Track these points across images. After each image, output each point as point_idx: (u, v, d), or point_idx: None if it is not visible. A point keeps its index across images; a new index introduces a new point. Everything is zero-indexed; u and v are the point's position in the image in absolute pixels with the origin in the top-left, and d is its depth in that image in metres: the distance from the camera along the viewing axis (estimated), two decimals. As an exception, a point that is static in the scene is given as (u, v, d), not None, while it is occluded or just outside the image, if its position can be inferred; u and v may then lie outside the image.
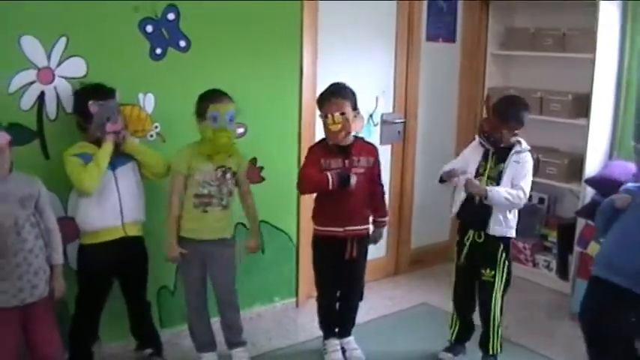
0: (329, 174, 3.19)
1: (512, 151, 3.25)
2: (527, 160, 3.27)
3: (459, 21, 4.90)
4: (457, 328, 3.58)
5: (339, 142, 3.24)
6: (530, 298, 4.47)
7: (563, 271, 4.59)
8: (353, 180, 3.19)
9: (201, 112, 3.05)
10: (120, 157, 3.03)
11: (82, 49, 3.09)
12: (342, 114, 3.17)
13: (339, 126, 3.18)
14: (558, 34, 4.50)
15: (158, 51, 3.33)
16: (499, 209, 3.24)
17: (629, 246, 2.95)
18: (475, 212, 3.28)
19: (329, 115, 3.18)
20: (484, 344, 3.39)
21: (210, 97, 3.06)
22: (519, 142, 3.28)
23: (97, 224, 2.99)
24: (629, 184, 3.23)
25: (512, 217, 3.31)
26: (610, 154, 4.43)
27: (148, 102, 3.31)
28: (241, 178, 3.26)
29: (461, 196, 3.35)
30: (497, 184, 3.23)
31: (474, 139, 3.46)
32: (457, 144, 5.07)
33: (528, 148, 3.31)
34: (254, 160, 3.79)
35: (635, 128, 4.26)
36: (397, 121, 4.65)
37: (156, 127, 3.32)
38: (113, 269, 3.10)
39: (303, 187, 3.38)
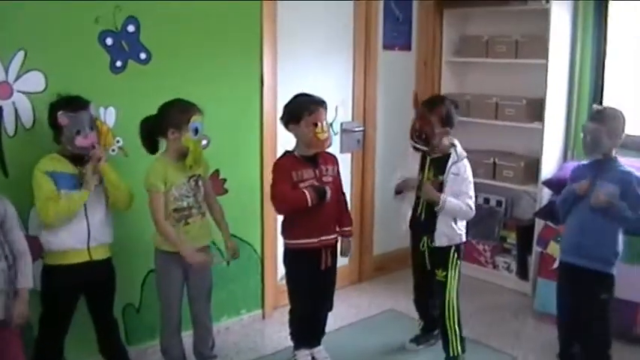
0: (306, 191, 3.18)
1: (450, 162, 3.32)
2: (466, 169, 3.35)
3: (415, 30, 4.97)
4: (423, 323, 3.74)
5: (323, 150, 3.28)
6: (493, 299, 4.55)
7: (523, 272, 4.68)
8: (329, 192, 3.21)
9: (178, 123, 2.99)
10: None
11: (41, 63, 3.02)
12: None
13: (326, 134, 3.21)
14: (511, 41, 4.61)
15: (118, 64, 3.28)
16: (443, 222, 3.33)
17: (593, 229, 3.13)
18: (425, 222, 3.40)
19: (319, 124, 3.18)
20: (445, 346, 3.46)
21: (191, 109, 3.02)
22: (454, 148, 3.35)
23: (63, 246, 2.90)
24: (580, 164, 3.37)
25: (460, 224, 3.41)
26: (564, 155, 4.56)
27: (109, 116, 3.25)
28: (206, 182, 3.24)
29: (409, 211, 3.48)
30: None
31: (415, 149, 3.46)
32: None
33: (465, 154, 3.38)
34: (216, 172, 3.76)
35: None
36: (356, 129, 4.69)
37: (118, 141, 3.26)
38: (78, 290, 3.02)
39: (280, 208, 3.35)
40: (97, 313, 3.11)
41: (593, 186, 3.13)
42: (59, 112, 2.82)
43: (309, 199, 3.16)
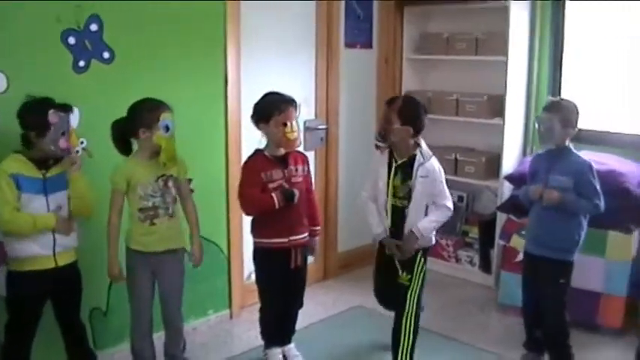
0: (273, 194, 3.17)
1: (416, 164, 3.21)
2: (435, 169, 3.23)
3: (376, 27, 5.01)
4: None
5: (292, 149, 3.25)
6: (458, 293, 4.62)
7: (485, 266, 4.77)
8: (297, 195, 3.20)
9: (148, 122, 2.96)
10: (55, 182, 2.88)
11: (2, 63, 2.94)
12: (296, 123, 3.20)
13: (296, 134, 3.18)
14: (471, 38, 4.68)
15: (81, 63, 3.22)
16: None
17: (549, 222, 3.28)
18: (396, 231, 3.32)
19: (288, 123, 3.15)
20: (394, 350, 3.34)
21: (160, 106, 2.99)
22: (419, 149, 3.24)
23: (28, 252, 2.83)
24: (536, 154, 3.47)
25: None
26: (524, 150, 4.66)
27: (73, 116, 3.15)
28: (182, 183, 3.20)
29: (381, 216, 3.37)
30: (408, 202, 3.23)
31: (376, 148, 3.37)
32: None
33: (430, 153, 3.27)
34: (182, 172, 3.72)
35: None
36: (320, 127, 4.70)
37: (82, 142, 3.19)
38: (44, 296, 2.95)
39: (248, 211, 3.35)
40: (63, 319, 3.05)
41: (547, 176, 3.25)
42: (51, 111, 2.75)
43: (276, 203, 3.16)
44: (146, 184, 3.03)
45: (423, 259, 3.33)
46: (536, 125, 3.33)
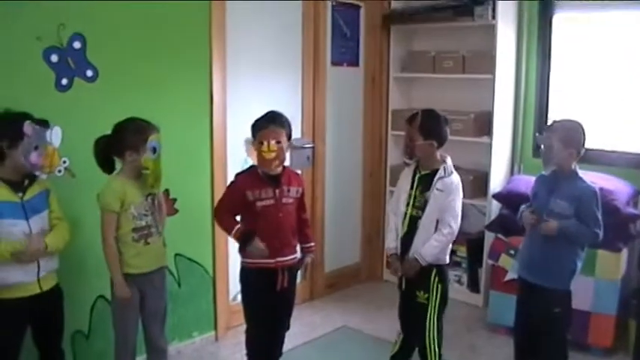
0: (235, 228, 3.18)
1: (436, 177, 3.24)
2: (453, 187, 3.24)
3: (362, 46, 5.00)
4: (397, 347, 3.59)
5: (272, 170, 3.18)
6: (446, 313, 4.52)
7: (474, 285, 4.73)
8: (256, 242, 3.14)
9: (136, 145, 2.91)
10: (34, 205, 2.80)
11: (-17, 80, 2.89)
12: (278, 142, 3.12)
13: (274, 154, 3.12)
14: (458, 57, 4.67)
15: (64, 82, 3.17)
16: (421, 241, 3.26)
17: (545, 250, 3.17)
18: (409, 240, 3.30)
19: (264, 143, 3.11)
20: None
21: (147, 128, 2.94)
22: (444, 164, 3.27)
23: (11, 280, 2.73)
24: (541, 175, 3.32)
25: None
26: (511, 169, 4.64)
27: (55, 136, 3.07)
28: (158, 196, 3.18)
29: (397, 231, 3.38)
30: (423, 212, 3.24)
31: (405, 165, 3.46)
32: (364, 166, 5.16)
33: (453, 170, 3.28)
34: (167, 192, 3.66)
35: (535, 124, 4.52)
36: (306, 146, 4.66)
37: (64, 162, 3.13)
38: (27, 322, 2.86)
39: (216, 221, 3.41)
40: (44, 345, 2.95)
41: (548, 199, 3.16)
42: (27, 122, 2.69)
43: (232, 236, 3.21)
44: (139, 203, 2.99)
45: (437, 278, 3.31)
46: (538, 146, 3.25)
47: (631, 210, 3.89)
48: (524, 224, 3.28)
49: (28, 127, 2.70)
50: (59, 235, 2.87)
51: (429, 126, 3.26)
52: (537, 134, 3.27)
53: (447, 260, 3.38)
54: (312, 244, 3.47)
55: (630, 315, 3.80)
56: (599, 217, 3.08)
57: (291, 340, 3.97)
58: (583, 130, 3.13)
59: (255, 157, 3.23)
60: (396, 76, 5.11)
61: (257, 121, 3.21)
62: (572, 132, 3.12)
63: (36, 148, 2.74)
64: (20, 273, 2.74)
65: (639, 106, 4.21)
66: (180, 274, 3.82)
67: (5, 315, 2.76)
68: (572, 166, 3.15)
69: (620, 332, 3.83)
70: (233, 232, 3.19)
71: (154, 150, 2.94)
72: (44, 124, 2.80)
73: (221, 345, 4.06)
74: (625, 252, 3.81)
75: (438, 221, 3.25)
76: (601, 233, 3.08)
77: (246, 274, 3.32)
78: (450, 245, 3.37)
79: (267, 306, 3.31)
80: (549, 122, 3.26)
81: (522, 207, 3.34)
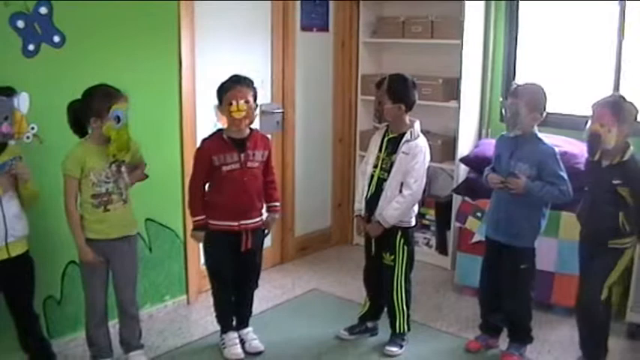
0: (200, 217, 3.29)
1: (403, 140, 3.31)
2: (417, 150, 3.31)
3: (332, 11, 4.98)
4: (365, 308, 3.68)
5: (241, 130, 3.22)
6: (415, 275, 4.57)
7: (442, 247, 4.82)
8: (198, 236, 3.35)
9: (99, 112, 2.89)
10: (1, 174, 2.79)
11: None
12: (247, 102, 3.16)
13: (243, 113, 3.15)
14: (427, 22, 4.68)
15: (31, 47, 3.12)
16: (386, 202, 3.34)
17: (510, 208, 3.27)
18: (375, 201, 3.37)
19: (233, 102, 3.13)
20: (391, 323, 3.52)
21: (113, 96, 2.91)
22: (412, 128, 3.33)
23: None
24: (503, 135, 3.39)
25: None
26: (479, 133, 4.71)
27: (22, 102, 3.05)
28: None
29: (363, 192, 3.44)
30: (388, 175, 3.33)
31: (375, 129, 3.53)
32: (334, 131, 5.18)
33: (419, 134, 3.35)
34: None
35: (503, 89, 4.58)
36: (276, 111, 4.66)
37: (32, 128, 3.10)
38: None
39: (188, 195, 3.45)
40: (16, 309, 2.97)
41: (509, 162, 3.24)
42: None
43: (194, 220, 3.34)
44: (99, 170, 2.98)
45: (402, 239, 3.40)
46: (503, 111, 3.31)
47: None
48: (490, 185, 3.35)
49: None
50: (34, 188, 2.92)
51: (397, 89, 3.31)
52: (502, 99, 3.30)
53: (413, 222, 3.46)
54: (277, 203, 3.51)
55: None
56: (563, 175, 3.17)
57: (262, 303, 4.04)
58: (545, 93, 3.19)
59: (224, 122, 3.25)
60: (365, 41, 5.10)
61: (223, 83, 3.23)
62: (536, 96, 3.17)
63: (6, 118, 2.73)
64: None
65: (603, 71, 4.27)
66: (151, 239, 3.83)
67: None
68: (534, 129, 3.22)
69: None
70: (196, 218, 3.30)
71: (118, 119, 2.91)
72: (10, 92, 2.78)
73: (193, 308, 4.09)
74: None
75: (402, 184, 3.31)
76: (569, 189, 3.17)
77: (208, 235, 3.35)
78: (416, 208, 3.45)
79: (232, 267, 3.36)
80: (512, 86, 3.28)
81: (486, 169, 3.42)
